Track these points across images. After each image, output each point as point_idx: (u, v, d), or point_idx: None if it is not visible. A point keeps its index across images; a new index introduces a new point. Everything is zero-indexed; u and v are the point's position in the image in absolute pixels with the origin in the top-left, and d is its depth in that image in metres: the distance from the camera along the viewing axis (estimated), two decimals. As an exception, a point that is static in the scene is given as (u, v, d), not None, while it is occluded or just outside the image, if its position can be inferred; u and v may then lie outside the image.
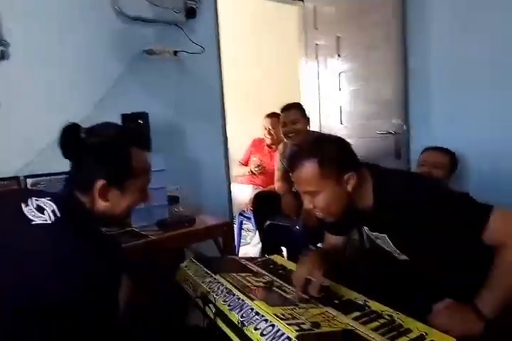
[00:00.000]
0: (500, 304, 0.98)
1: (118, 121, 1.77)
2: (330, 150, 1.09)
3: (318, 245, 1.37)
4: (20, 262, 0.75)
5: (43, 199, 0.85)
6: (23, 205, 0.83)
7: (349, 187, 1.09)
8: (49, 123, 1.80)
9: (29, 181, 1.52)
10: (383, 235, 1.18)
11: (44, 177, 1.53)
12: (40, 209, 0.82)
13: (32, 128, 1.71)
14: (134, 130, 0.98)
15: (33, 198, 0.85)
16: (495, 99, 2.02)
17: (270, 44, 4.15)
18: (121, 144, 0.92)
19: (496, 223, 1.00)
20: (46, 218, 0.80)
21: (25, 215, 0.81)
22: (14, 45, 1.68)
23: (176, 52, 2.11)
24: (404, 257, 1.21)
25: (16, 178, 1.56)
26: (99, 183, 0.88)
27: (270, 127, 3.08)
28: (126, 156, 0.91)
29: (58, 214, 0.82)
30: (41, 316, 0.71)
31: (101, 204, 0.91)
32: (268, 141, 3.14)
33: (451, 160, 2.02)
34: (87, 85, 1.88)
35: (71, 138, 0.89)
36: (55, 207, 0.83)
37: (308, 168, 1.07)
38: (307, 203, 1.14)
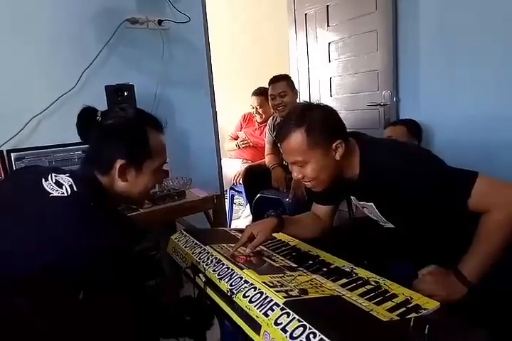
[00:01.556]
0: (483, 269, 1.00)
1: (102, 93, 1.73)
2: (317, 119, 1.09)
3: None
4: (34, 228, 0.78)
5: (62, 175, 0.88)
6: (43, 180, 0.87)
7: (337, 156, 1.09)
8: (31, 97, 1.77)
9: (13, 155, 1.48)
10: (370, 204, 1.20)
11: (28, 152, 1.50)
12: (59, 184, 0.86)
13: (14, 103, 1.66)
14: (149, 113, 1.00)
15: (53, 174, 0.89)
16: (485, 69, 2.00)
17: (259, 13, 4.03)
18: (139, 125, 0.95)
19: (480, 189, 1.01)
20: (64, 191, 0.84)
21: (44, 188, 0.84)
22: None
23: (160, 22, 2.04)
24: (390, 225, 1.23)
25: (-1, 152, 1.53)
26: (119, 163, 0.91)
27: (258, 106, 3.04)
28: (144, 136, 0.94)
29: (75, 189, 0.85)
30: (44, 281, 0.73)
31: (120, 184, 0.94)
32: (258, 118, 3.11)
33: (408, 129, 2.08)
34: (69, 57, 1.81)
35: (88, 121, 0.94)
36: (72, 182, 0.86)
37: (296, 138, 1.08)
38: (296, 174, 1.15)
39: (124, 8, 1.94)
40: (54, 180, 0.86)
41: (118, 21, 1.90)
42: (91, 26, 1.86)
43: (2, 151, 1.53)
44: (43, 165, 1.54)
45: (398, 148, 1.16)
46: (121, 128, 0.94)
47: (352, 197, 1.28)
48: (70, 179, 0.87)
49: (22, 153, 1.49)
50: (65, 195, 0.83)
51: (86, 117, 0.95)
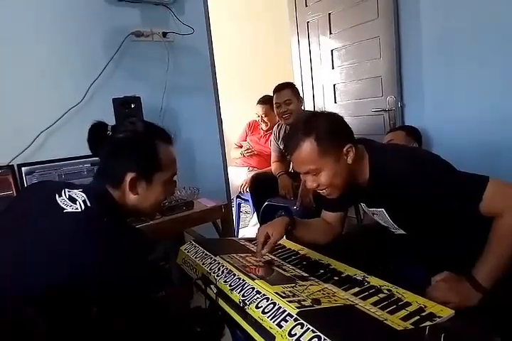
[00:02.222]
0: (497, 274, 1.00)
1: (110, 106, 1.75)
2: (324, 126, 1.09)
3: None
4: (47, 244, 0.79)
5: (75, 191, 0.90)
6: (56, 196, 0.88)
7: (349, 160, 1.10)
8: (40, 111, 1.79)
9: (24, 169, 1.50)
10: (381, 209, 1.20)
11: (38, 165, 1.52)
12: (72, 200, 0.87)
13: (23, 117, 1.68)
14: (158, 126, 1.02)
15: (66, 189, 0.90)
16: (488, 73, 2.00)
17: (261, 23, 4.07)
18: (148, 138, 0.96)
19: (491, 193, 1.01)
20: (77, 207, 0.85)
21: (58, 204, 0.86)
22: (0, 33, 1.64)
23: (165, 34, 2.07)
24: (401, 231, 1.23)
25: (10, 167, 1.55)
26: (129, 176, 0.92)
27: (263, 114, 3.06)
28: (154, 149, 0.95)
29: (89, 204, 0.86)
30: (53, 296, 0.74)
31: (131, 198, 0.95)
32: (263, 127, 3.12)
33: (407, 134, 2.10)
34: (76, 71, 1.84)
35: (98, 136, 0.96)
36: (86, 197, 0.87)
37: (307, 147, 1.08)
38: (310, 183, 1.14)
39: (129, 22, 1.97)
40: (67, 196, 0.88)
41: (123, 35, 1.93)
42: (97, 40, 1.89)
43: (13, 166, 1.55)
44: (53, 178, 1.56)
45: (408, 153, 1.17)
46: (131, 142, 0.95)
47: (362, 204, 1.28)
48: (84, 194, 0.88)
49: (32, 167, 1.51)
50: (79, 210, 0.84)
51: (96, 132, 0.97)
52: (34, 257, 0.78)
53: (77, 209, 0.84)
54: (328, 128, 1.09)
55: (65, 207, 0.85)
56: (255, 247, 1.32)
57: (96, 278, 0.76)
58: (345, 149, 1.09)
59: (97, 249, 0.79)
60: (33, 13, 1.72)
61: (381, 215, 1.21)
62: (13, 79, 1.68)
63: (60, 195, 0.88)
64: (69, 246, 0.78)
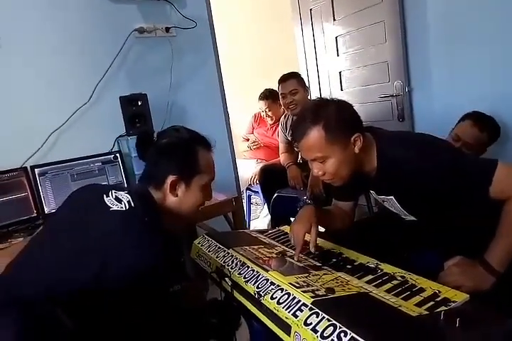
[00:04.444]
0: (509, 257, 1.00)
1: (117, 104, 1.76)
2: (333, 114, 1.08)
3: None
4: (93, 238, 0.85)
5: (121, 192, 0.96)
6: (104, 196, 0.94)
7: (356, 149, 1.10)
8: (49, 112, 1.81)
9: (37, 171, 1.53)
10: (390, 197, 1.20)
11: (51, 166, 1.54)
12: (118, 200, 0.93)
13: (32, 120, 1.70)
14: (200, 134, 1.06)
15: (113, 191, 0.96)
16: (495, 54, 1.96)
17: (263, 13, 4.02)
18: (189, 143, 1.02)
19: (501, 177, 1.01)
20: (122, 206, 0.91)
21: (105, 203, 0.92)
22: (4, 35, 1.65)
23: (167, 29, 2.06)
24: (411, 218, 1.23)
25: (24, 169, 1.57)
26: (171, 178, 0.98)
27: (267, 109, 3.05)
28: (194, 154, 1.01)
29: (133, 204, 0.92)
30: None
31: (171, 199, 1.01)
32: (269, 121, 3.11)
33: (489, 138, 1.78)
34: (82, 71, 1.85)
35: (145, 141, 1.05)
36: (130, 198, 0.94)
37: (315, 135, 1.08)
38: (317, 170, 1.14)
39: (132, 19, 1.97)
40: (114, 196, 0.94)
41: (127, 32, 1.93)
42: (101, 39, 1.89)
43: (26, 168, 1.57)
44: (65, 178, 1.58)
45: (416, 142, 1.15)
46: (174, 146, 1.02)
47: (371, 191, 1.28)
48: (128, 195, 0.95)
49: (45, 168, 1.53)
50: (124, 209, 0.90)
51: (144, 138, 1.06)
52: (77, 255, 0.83)
53: (122, 208, 0.91)
54: (337, 117, 1.08)
55: (111, 205, 0.91)
56: (267, 239, 1.34)
57: (124, 275, 0.80)
58: (353, 138, 1.08)
59: (136, 247, 0.84)
60: (36, 15, 1.73)
61: (391, 203, 1.21)
62: (20, 82, 1.70)
63: (108, 196, 0.94)
64: (110, 241, 0.84)
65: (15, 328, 0.69)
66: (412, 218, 1.24)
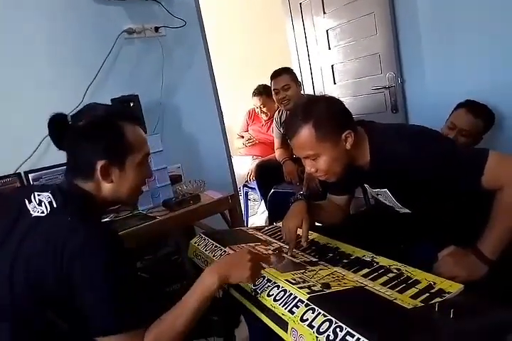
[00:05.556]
0: (502, 245, 1.01)
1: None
2: (323, 112, 1.09)
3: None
4: (19, 255, 0.79)
5: (44, 193, 0.87)
6: (27, 202, 0.87)
7: (348, 146, 1.10)
8: (41, 117, 1.79)
9: (31, 176, 1.53)
10: (384, 190, 1.20)
11: (44, 171, 1.54)
12: (40, 203, 0.85)
13: (25, 124, 1.69)
14: (120, 106, 0.95)
15: (36, 193, 0.88)
16: (487, 43, 1.95)
17: (253, 9, 3.99)
18: (111, 121, 0.89)
19: (493, 166, 1.01)
20: (43, 209, 0.84)
21: (28, 211, 0.85)
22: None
23: (157, 29, 2.05)
24: (405, 210, 1.23)
25: (17, 175, 1.57)
26: (99, 164, 0.86)
27: (261, 105, 3.04)
28: (119, 132, 0.89)
29: (54, 205, 0.84)
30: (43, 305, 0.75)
31: (106, 187, 0.90)
32: (264, 117, 3.11)
33: (484, 125, 1.80)
34: (73, 74, 1.84)
35: (59, 127, 0.89)
36: (51, 198, 0.85)
37: (305, 133, 1.08)
38: (309, 167, 1.15)
39: (120, 20, 1.95)
40: (37, 200, 0.86)
41: (116, 33, 1.92)
42: (90, 41, 1.88)
43: (20, 173, 1.57)
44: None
45: (405, 132, 1.16)
46: (93, 128, 0.88)
47: (365, 185, 1.29)
48: (50, 195, 0.86)
49: (38, 173, 1.53)
50: (44, 213, 0.83)
51: (57, 124, 0.90)
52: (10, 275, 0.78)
53: (42, 212, 0.83)
54: (327, 114, 1.09)
55: (33, 212, 0.84)
56: (264, 236, 1.35)
57: (66, 284, 0.75)
58: (343, 135, 1.09)
59: (78, 249, 0.77)
60: (23, 17, 1.71)
61: (385, 195, 1.22)
62: (10, 87, 1.69)
63: (30, 201, 0.87)
64: (36, 253, 0.78)
65: (9, 332, 0.69)
66: (406, 210, 1.25)
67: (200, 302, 0.85)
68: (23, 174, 1.56)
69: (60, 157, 1.58)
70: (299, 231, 1.17)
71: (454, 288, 0.88)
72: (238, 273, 0.89)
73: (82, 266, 0.75)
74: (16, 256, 0.79)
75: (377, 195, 1.26)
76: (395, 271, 0.99)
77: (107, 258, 0.78)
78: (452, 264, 1.02)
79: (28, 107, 1.71)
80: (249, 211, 3.15)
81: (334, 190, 1.40)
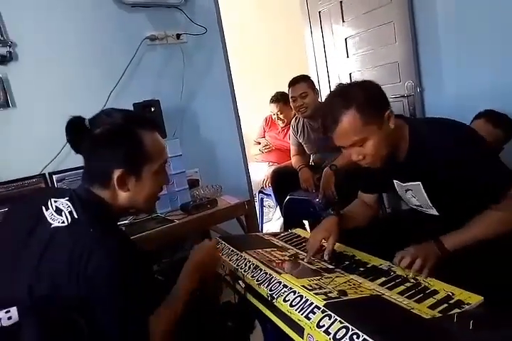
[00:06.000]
0: (462, 244, 1.06)
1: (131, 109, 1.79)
2: (362, 95, 1.08)
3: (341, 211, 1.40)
4: (42, 265, 0.79)
5: (62, 200, 0.86)
6: (44, 209, 0.86)
7: (391, 124, 1.10)
8: (65, 119, 1.83)
9: (55, 177, 1.57)
10: (417, 183, 1.19)
11: (68, 172, 1.59)
12: (59, 211, 0.84)
13: (51, 127, 1.73)
14: (139, 113, 0.93)
15: (52, 200, 0.87)
16: (508, 53, 1.93)
17: (273, 17, 4.03)
18: (129, 129, 0.88)
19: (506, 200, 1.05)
20: (64, 219, 0.82)
21: (46, 219, 0.84)
22: (20, 45, 1.70)
23: (178, 36, 2.10)
24: (433, 212, 1.22)
25: (42, 175, 1.62)
26: (116, 173, 0.86)
27: (278, 112, 3.05)
28: (137, 140, 0.87)
29: (75, 215, 0.83)
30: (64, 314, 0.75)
31: (122, 195, 0.89)
32: (280, 124, 3.12)
33: (505, 135, 1.78)
34: (97, 80, 1.89)
35: (76, 131, 0.88)
36: (71, 207, 0.84)
37: (349, 119, 1.07)
38: (356, 156, 1.14)
39: (143, 27, 2.00)
40: (54, 207, 0.85)
41: (139, 40, 1.97)
42: (114, 48, 1.93)
43: (45, 174, 1.62)
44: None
45: (451, 129, 1.16)
46: (111, 136, 0.86)
47: (395, 181, 1.27)
48: (69, 204, 0.85)
49: (62, 174, 1.57)
50: (65, 223, 0.82)
51: (75, 128, 0.89)
52: (29, 283, 0.78)
53: (63, 222, 0.82)
54: (366, 96, 1.08)
55: (51, 221, 0.83)
56: (280, 242, 1.35)
57: (86, 294, 0.75)
58: (386, 114, 1.09)
59: (96, 261, 0.77)
60: (50, 25, 1.77)
61: (416, 190, 1.20)
62: (36, 91, 1.75)
63: (48, 208, 0.86)
64: (59, 264, 0.78)
65: (36, 330, 0.71)
66: (433, 212, 1.23)
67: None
68: (47, 175, 1.61)
69: (82, 158, 1.63)
70: (324, 243, 1.18)
71: (473, 299, 0.87)
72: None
73: (98, 283, 0.76)
74: (38, 269, 0.79)
75: (407, 190, 1.24)
76: (412, 280, 0.99)
77: (121, 276, 0.78)
78: (411, 249, 1.07)
79: (53, 109, 1.76)
80: (264, 217, 3.15)
81: (365, 187, 1.41)
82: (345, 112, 1.06)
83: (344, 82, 1.19)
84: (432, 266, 1.01)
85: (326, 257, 1.15)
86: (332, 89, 1.19)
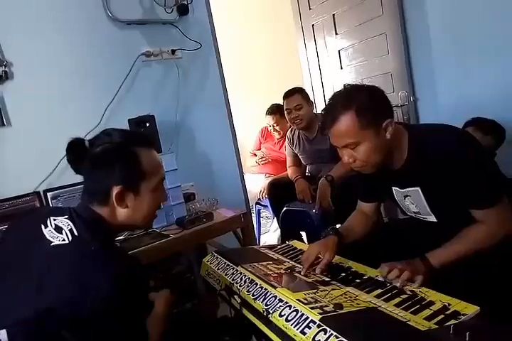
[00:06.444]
0: (448, 261, 1.06)
1: (126, 126, 1.80)
2: (365, 99, 1.08)
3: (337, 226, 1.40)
4: (43, 284, 0.78)
5: (61, 218, 0.87)
6: (43, 227, 0.87)
7: (388, 135, 1.09)
8: (60, 136, 1.84)
9: (49, 195, 1.56)
10: (416, 189, 1.18)
11: (63, 190, 1.58)
12: (59, 229, 0.85)
13: (45, 144, 1.75)
14: (137, 131, 0.96)
15: (52, 218, 0.88)
16: (499, 62, 1.96)
17: (267, 30, 4.10)
18: (126, 147, 0.91)
19: (494, 211, 1.07)
20: (64, 237, 0.83)
21: (45, 237, 0.84)
22: (16, 65, 1.71)
23: (173, 51, 2.12)
24: (431, 218, 1.22)
25: (36, 193, 1.61)
26: (115, 190, 0.88)
27: (274, 124, 3.07)
28: (134, 157, 0.90)
29: (76, 233, 0.84)
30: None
31: (121, 212, 0.91)
32: (276, 135, 3.14)
33: (494, 140, 1.81)
34: (92, 95, 1.90)
35: (77, 152, 0.91)
36: (72, 225, 0.85)
37: (347, 120, 1.07)
38: (347, 157, 1.14)
39: (138, 43, 2.03)
40: (54, 225, 0.86)
41: (134, 56, 1.99)
42: (109, 64, 1.95)
43: (39, 192, 1.61)
44: (77, 200, 1.60)
45: (451, 129, 1.16)
46: (109, 154, 0.90)
47: (394, 188, 1.26)
48: (69, 222, 0.86)
49: (57, 191, 1.57)
50: (66, 241, 0.82)
51: (75, 150, 0.92)
52: (30, 303, 0.77)
53: (64, 240, 0.82)
54: (369, 102, 1.07)
55: (51, 239, 0.83)
56: (276, 255, 1.35)
57: (91, 311, 0.74)
58: (384, 124, 1.08)
59: (96, 280, 0.77)
60: (45, 41, 1.79)
61: (415, 196, 1.20)
62: (32, 107, 1.76)
63: (46, 226, 0.86)
64: (61, 281, 0.77)
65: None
66: (432, 218, 1.22)
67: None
68: (42, 192, 1.60)
69: (77, 176, 1.63)
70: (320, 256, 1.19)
71: (469, 310, 0.86)
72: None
73: (96, 305, 0.75)
74: (38, 290, 0.78)
75: (406, 196, 1.24)
76: (409, 291, 0.98)
77: (119, 300, 0.77)
78: (397, 263, 1.06)
79: (49, 126, 1.78)
80: (262, 229, 3.14)
81: (363, 196, 1.41)
82: (345, 113, 1.07)
83: (353, 84, 1.17)
84: (421, 281, 1.01)
85: (317, 270, 1.15)
86: (341, 88, 1.18)
